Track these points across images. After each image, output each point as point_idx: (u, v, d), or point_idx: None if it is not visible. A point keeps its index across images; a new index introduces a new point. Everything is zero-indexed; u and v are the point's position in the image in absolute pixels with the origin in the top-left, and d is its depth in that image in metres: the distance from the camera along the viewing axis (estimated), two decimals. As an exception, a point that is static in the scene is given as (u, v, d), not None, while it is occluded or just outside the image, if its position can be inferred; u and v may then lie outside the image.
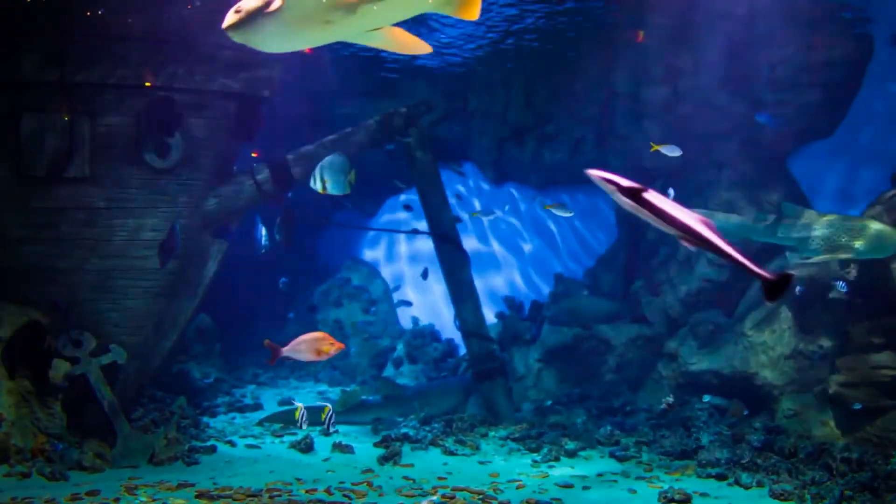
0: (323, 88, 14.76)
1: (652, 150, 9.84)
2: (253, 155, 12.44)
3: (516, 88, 15.69)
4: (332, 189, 8.74)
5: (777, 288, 3.81)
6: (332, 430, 7.47)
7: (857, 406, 9.57)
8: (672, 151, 9.77)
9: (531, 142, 16.00)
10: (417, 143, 12.50)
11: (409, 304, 16.59)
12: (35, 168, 9.54)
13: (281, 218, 11.07)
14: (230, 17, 4.00)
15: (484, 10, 12.32)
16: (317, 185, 8.79)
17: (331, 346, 7.16)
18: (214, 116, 10.37)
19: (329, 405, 7.82)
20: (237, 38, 4.03)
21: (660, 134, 13.92)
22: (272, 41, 4.01)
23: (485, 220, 11.51)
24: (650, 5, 12.05)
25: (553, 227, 16.91)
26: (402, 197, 16.97)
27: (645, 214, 4.05)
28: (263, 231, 12.68)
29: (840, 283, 9.76)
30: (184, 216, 10.11)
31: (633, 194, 4.01)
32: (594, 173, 4.11)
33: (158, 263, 9.48)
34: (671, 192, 10.44)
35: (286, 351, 7.13)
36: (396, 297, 17.12)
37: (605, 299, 14.65)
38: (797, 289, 10.78)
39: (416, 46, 4.46)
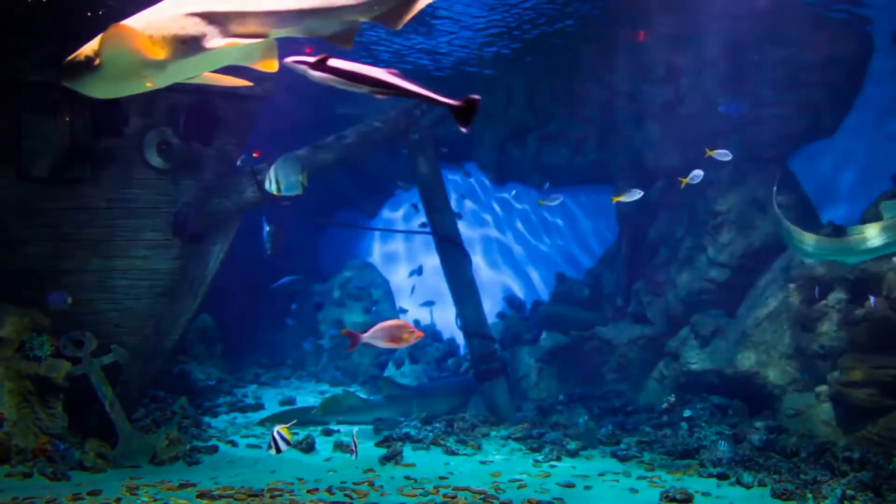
0: (323, 89, 14.76)
1: (707, 155, 9.93)
2: (255, 155, 12.44)
3: (518, 88, 15.69)
4: (286, 190, 8.72)
5: (466, 113, 3.97)
6: (356, 450, 7.36)
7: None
8: (723, 157, 10.06)
9: (532, 142, 16.00)
10: (418, 143, 12.51)
11: (431, 303, 16.54)
12: (36, 169, 9.54)
13: (271, 227, 11.07)
14: (62, 67, 4.52)
15: (485, 10, 12.36)
16: (271, 187, 8.76)
17: (410, 335, 7.09)
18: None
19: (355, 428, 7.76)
20: (69, 85, 4.53)
21: (661, 134, 13.95)
22: (100, 90, 4.56)
23: (554, 203, 11.48)
24: (651, 5, 12.04)
25: (555, 226, 16.91)
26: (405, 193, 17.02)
27: (339, 82, 4.20)
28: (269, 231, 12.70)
29: (872, 300, 9.70)
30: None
31: (321, 66, 4.17)
32: (288, 61, 4.33)
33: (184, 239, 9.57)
34: (700, 173, 10.25)
35: (365, 338, 7.04)
36: (416, 293, 17.05)
37: (583, 310, 14.78)
38: (816, 290, 10.73)
39: (233, 83, 5.11)
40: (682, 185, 10.15)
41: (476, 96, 3.99)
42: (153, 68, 4.30)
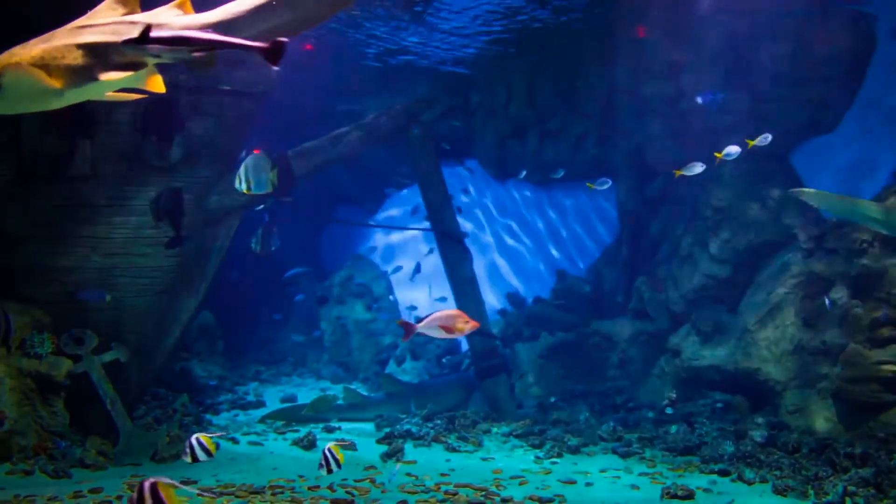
0: (323, 85, 14.76)
1: (749, 146, 9.85)
2: (255, 153, 12.44)
3: (518, 85, 15.67)
4: (255, 189, 8.76)
5: (275, 54, 4.19)
6: (335, 467, 7.19)
7: None
8: (764, 141, 10.01)
9: (533, 138, 15.99)
10: (419, 139, 12.49)
11: (443, 299, 16.52)
12: (36, 167, 9.53)
13: (262, 229, 11.08)
14: None
15: (485, 8, 12.34)
16: (241, 185, 8.77)
17: (466, 324, 7.04)
18: (219, 114, 10.35)
19: (347, 440, 7.59)
20: None
21: (662, 129, 13.92)
22: (6, 110, 4.86)
23: (604, 187, 11.45)
24: (651, 1, 12.03)
25: (556, 223, 16.89)
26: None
27: (169, 49, 4.42)
28: (273, 230, 12.69)
29: (883, 313, 9.69)
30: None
31: (146, 39, 4.38)
32: (128, 40, 4.53)
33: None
34: (736, 149, 10.02)
35: (420, 328, 6.97)
36: (416, 290, 17.00)
37: (568, 313, 14.77)
38: (826, 301, 10.70)
39: (124, 97, 5.41)
40: (718, 160, 9.95)
41: (284, 39, 4.20)
42: (53, 94, 4.69)
